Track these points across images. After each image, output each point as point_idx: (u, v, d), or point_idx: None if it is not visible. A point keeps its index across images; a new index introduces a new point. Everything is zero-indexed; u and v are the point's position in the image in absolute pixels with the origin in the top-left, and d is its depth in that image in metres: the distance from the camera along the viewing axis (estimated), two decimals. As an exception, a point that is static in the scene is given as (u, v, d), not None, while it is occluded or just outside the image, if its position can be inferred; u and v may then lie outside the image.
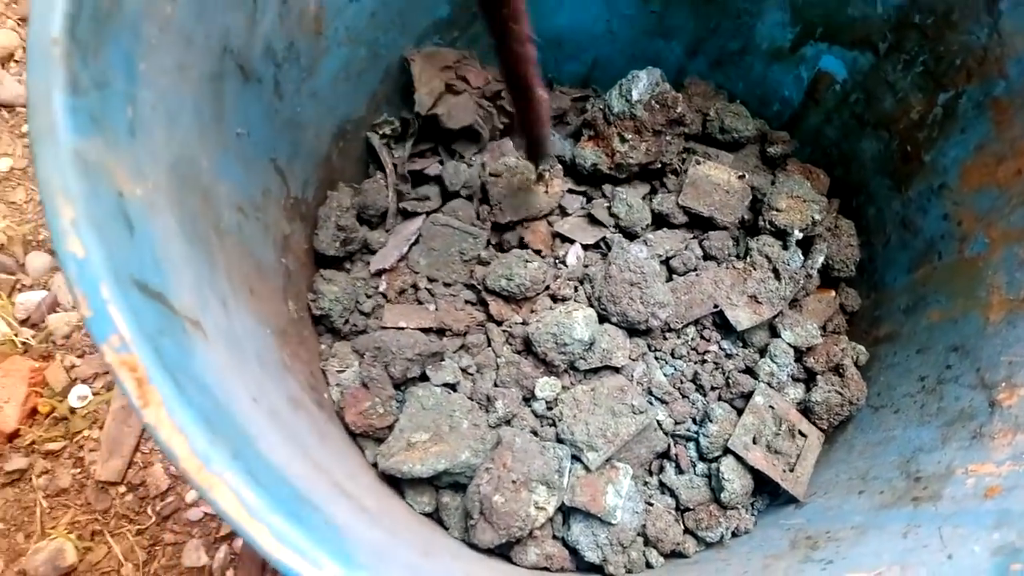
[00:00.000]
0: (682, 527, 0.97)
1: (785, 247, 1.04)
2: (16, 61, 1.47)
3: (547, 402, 1.00)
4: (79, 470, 1.23)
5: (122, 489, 1.22)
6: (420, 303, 1.11)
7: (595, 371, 1.02)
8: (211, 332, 0.57)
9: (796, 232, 1.03)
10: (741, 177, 1.10)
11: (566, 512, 0.95)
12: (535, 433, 0.99)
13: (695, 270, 1.08)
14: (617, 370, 1.01)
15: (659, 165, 1.14)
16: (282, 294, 0.93)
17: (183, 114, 0.64)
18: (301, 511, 0.41)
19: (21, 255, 1.34)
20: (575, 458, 0.95)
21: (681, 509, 0.98)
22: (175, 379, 0.41)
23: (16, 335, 1.28)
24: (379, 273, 1.10)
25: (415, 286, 1.11)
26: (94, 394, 1.27)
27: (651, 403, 1.00)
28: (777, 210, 1.05)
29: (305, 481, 0.50)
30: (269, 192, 0.89)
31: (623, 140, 1.11)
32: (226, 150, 0.75)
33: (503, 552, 0.94)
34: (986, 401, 0.75)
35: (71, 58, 0.45)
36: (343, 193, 1.07)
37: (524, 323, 1.04)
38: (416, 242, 1.11)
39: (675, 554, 0.97)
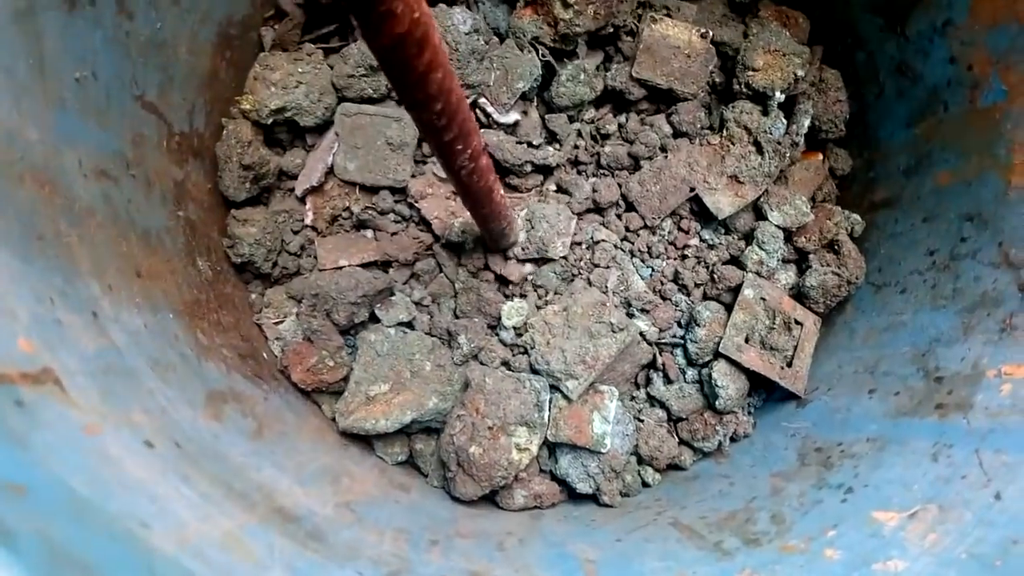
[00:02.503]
0: (676, 439, 0.90)
1: (765, 113, 0.90)
2: None
3: (515, 329, 0.89)
4: None
5: None
6: (356, 230, 0.97)
7: (566, 284, 0.91)
8: (73, 370, 0.44)
9: (777, 94, 0.89)
10: (704, 35, 0.93)
11: (551, 445, 0.87)
12: (507, 365, 0.89)
13: (664, 150, 0.94)
14: (589, 283, 0.90)
15: (611, 29, 0.96)
16: (186, 255, 0.78)
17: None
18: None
19: None
20: (554, 388, 0.85)
21: (674, 420, 0.91)
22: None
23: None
24: (306, 195, 0.94)
25: (348, 210, 0.96)
26: None
27: (631, 315, 0.89)
28: (754, 70, 0.90)
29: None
30: (143, 138, 0.72)
31: (566, 5, 0.93)
32: (63, 106, 0.58)
33: (488, 498, 0.87)
34: (1014, 284, 0.65)
35: None
36: (240, 123, 0.89)
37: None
38: (337, 147, 0.94)
39: (672, 467, 0.90)
